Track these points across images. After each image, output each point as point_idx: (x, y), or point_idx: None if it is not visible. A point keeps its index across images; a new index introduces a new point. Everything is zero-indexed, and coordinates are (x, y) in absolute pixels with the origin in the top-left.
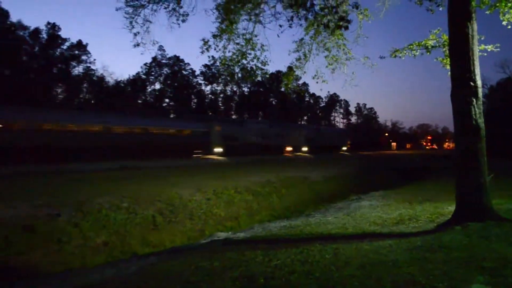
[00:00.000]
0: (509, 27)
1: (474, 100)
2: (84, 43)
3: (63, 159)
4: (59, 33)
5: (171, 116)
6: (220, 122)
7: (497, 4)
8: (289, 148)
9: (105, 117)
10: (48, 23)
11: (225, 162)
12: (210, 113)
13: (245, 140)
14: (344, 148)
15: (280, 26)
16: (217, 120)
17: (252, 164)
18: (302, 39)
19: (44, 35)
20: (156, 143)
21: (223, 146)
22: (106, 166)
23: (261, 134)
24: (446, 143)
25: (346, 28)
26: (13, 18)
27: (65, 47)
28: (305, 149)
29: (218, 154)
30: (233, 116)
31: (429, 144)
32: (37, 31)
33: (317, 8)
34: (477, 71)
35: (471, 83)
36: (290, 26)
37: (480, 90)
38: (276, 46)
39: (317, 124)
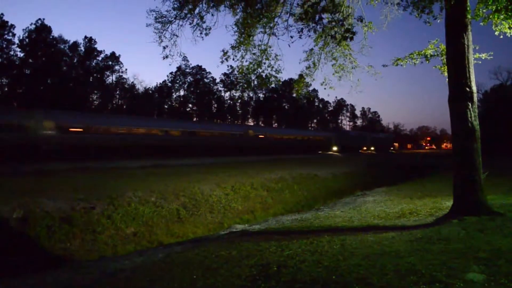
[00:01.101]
0: (502, 37)
1: (470, 104)
2: (117, 54)
3: (275, 153)
4: (95, 46)
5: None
6: (336, 132)
7: (490, 16)
8: (364, 148)
9: (286, 130)
10: (85, 37)
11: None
12: (332, 126)
13: (346, 143)
14: (392, 148)
15: (291, 37)
16: (334, 130)
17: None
18: (311, 49)
19: (82, 48)
20: (304, 144)
21: (337, 146)
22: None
23: (353, 139)
24: (444, 144)
25: (351, 39)
26: (55, 33)
27: (100, 58)
28: (372, 148)
29: (334, 151)
30: (250, 120)
31: (428, 144)
32: (75, 44)
33: (325, 21)
34: (472, 77)
35: (467, 89)
36: (300, 37)
37: (475, 95)
38: (289, 55)
39: (378, 132)
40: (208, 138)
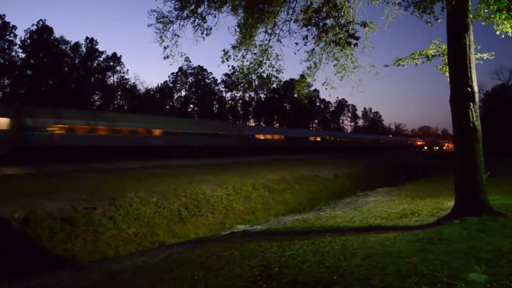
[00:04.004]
0: (503, 36)
1: (471, 104)
2: (118, 55)
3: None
4: (97, 46)
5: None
6: (425, 139)
7: (492, 16)
8: (435, 147)
9: (376, 135)
10: (87, 37)
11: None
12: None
13: (428, 145)
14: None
15: (296, 44)
16: (423, 137)
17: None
18: (313, 49)
19: (83, 49)
20: (414, 146)
21: (426, 147)
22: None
23: (433, 142)
24: (446, 144)
25: (356, 45)
26: (56, 34)
27: (101, 59)
28: (437, 147)
29: (425, 150)
30: (251, 120)
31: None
32: (77, 45)
33: (328, 24)
34: (474, 77)
35: (468, 89)
36: (305, 44)
37: (476, 95)
38: (290, 55)
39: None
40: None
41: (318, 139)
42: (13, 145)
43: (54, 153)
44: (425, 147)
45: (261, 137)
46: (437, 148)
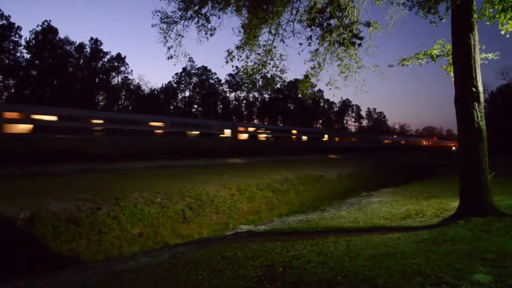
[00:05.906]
0: (508, 36)
1: (476, 104)
2: (122, 55)
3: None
4: (101, 47)
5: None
6: (452, 140)
7: (497, 16)
8: None
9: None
10: (91, 38)
11: None
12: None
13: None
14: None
15: (300, 44)
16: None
17: None
18: (317, 49)
19: (88, 49)
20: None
21: (455, 147)
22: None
23: None
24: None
25: (360, 45)
26: (61, 34)
27: (106, 59)
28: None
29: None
30: (255, 120)
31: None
32: (81, 45)
33: (333, 24)
34: (479, 77)
35: (473, 89)
36: (309, 45)
37: (481, 95)
38: (293, 55)
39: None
40: None
41: (404, 142)
42: (328, 147)
43: (339, 150)
44: (453, 147)
45: (385, 141)
46: None
